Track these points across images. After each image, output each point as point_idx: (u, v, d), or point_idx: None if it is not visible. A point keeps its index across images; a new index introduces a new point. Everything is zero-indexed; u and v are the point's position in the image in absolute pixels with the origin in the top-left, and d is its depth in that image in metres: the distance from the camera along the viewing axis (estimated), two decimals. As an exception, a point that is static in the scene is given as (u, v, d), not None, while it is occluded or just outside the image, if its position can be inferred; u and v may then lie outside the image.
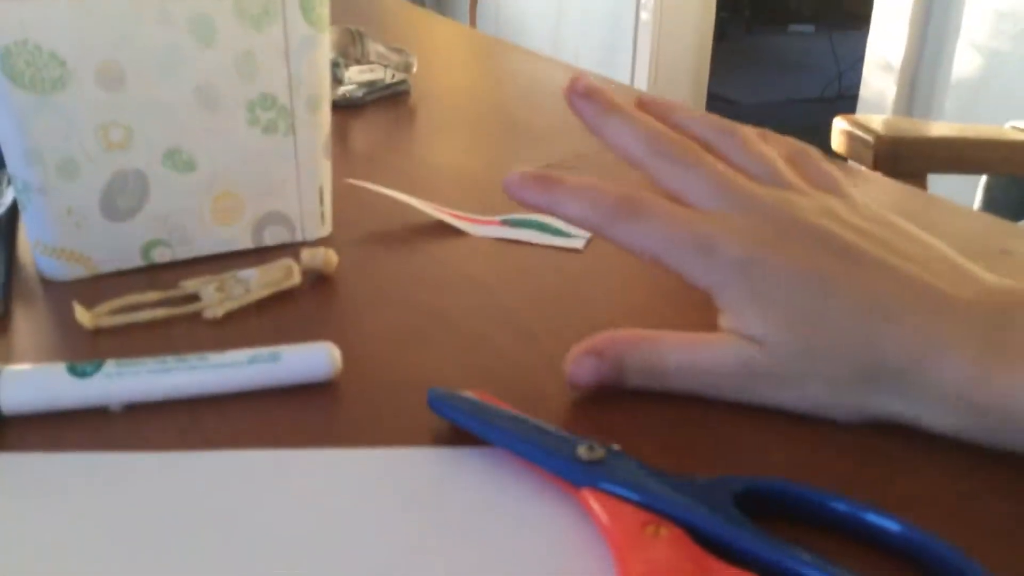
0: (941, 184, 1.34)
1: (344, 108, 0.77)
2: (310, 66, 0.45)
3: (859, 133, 1.00)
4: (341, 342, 0.36)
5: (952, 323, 0.30)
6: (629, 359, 0.33)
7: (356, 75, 0.80)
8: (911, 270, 0.32)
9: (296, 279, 0.43)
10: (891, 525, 0.26)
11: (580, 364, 0.33)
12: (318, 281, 0.44)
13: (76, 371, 0.32)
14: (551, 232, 0.50)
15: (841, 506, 0.27)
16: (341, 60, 0.79)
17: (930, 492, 0.29)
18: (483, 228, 0.51)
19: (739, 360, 0.32)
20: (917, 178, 0.99)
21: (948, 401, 0.30)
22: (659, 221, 0.33)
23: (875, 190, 0.61)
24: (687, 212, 0.33)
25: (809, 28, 5.11)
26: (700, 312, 0.40)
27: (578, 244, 0.49)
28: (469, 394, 0.32)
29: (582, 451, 0.29)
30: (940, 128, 1.09)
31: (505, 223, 0.51)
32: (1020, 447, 0.30)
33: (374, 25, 1.16)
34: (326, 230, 0.49)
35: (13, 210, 0.49)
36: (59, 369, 0.32)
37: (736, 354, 0.32)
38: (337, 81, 0.78)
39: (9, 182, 0.51)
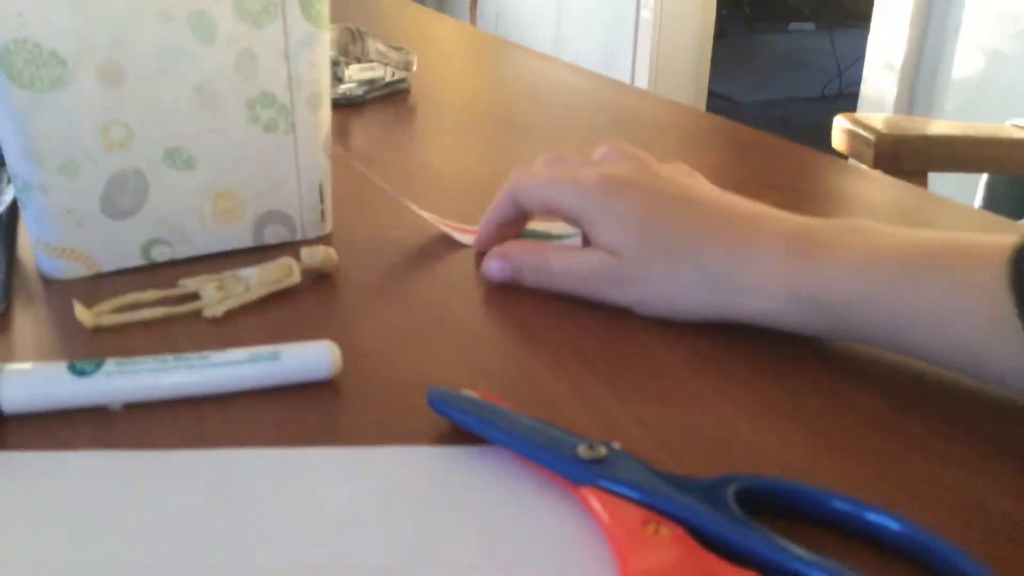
0: (942, 183, 1.34)
1: (344, 106, 0.77)
2: (310, 64, 0.45)
3: (860, 131, 1.00)
4: (341, 340, 0.36)
5: (762, 228, 0.38)
6: (525, 262, 0.43)
7: (356, 73, 0.80)
8: (724, 198, 0.41)
9: (296, 277, 0.42)
10: (891, 524, 0.26)
11: (489, 264, 0.44)
12: (318, 279, 0.44)
13: (76, 370, 0.32)
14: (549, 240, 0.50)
15: (841, 504, 0.27)
16: (341, 58, 0.79)
17: (932, 492, 0.29)
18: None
19: (602, 265, 0.41)
20: (918, 177, 0.99)
21: (766, 292, 0.37)
22: (545, 178, 0.43)
23: (875, 189, 0.61)
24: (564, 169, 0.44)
25: (810, 26, 5.11)
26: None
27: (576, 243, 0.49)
28: (469, 392, 0.32)
29: (582, 450, 0.29)
30: (941, 127, 1.09)
31: None
32: (841, 333, 0.37)
33: (374, 23, 1.16)
34: (326, 228, 0.49)
35: (13, 209, 0.49)
36: (59, 368, 0.32)
37: (600, 261, 0.41)
38: (337, 79, 0.78)
39: (9, 180, 0.51)
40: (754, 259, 0.37)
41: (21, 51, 0.38)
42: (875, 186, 0.61)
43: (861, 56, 2.26)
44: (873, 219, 0.55)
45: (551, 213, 0.44)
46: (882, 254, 0.35)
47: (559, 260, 0.43)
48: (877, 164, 0.97)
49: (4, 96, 0.39)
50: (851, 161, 0.98)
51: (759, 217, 0.39)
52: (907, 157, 0.98)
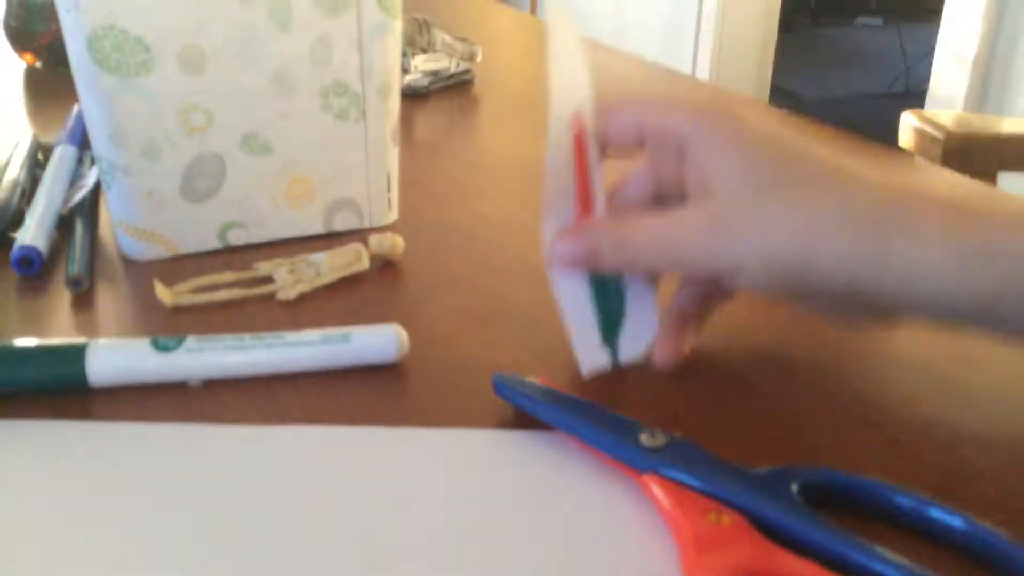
0: (1014, 184, 1.30)
1: (409, 96, 0.78)
2: (382, 53, 0.46)
3: (928, 129, 0.98)
4: (407, 325, 0.37)
5: (908, 181, 0.31)
6: (603, 238, 0.35)
7: (422, 64, 0.81)
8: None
9: (364, 263, 0.44)
10: (954, 521, 0.26)
11: (557, 247, 0.35)
12: (385, 266, 0.45)
13: (159, 345, 0.34)
14: None
15: (904, 500, 0.27)
16: (408, 49, 0.80)
17: (996, 494, 0.29)
18: None
19: (704, 214, 0.32)
20: (988, 176, 0.97)
21: (923, 237, 0.29)
22: (632, 99, 0.37)
23: (945, 187, 0.60)
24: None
25: (877, 20, 4.99)
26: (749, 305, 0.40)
27: None
28: (533, 379, 0.33)
29: (644, 438, 0.29)
30: (1014, 125, 1.06)
31: None
32: (1002, 301, 0.29)
33: (439, 13, 1.17)
34: (392, 216, 0.50)
35: (95, 191, 0.51)
36: (143, 343, 0.34)
37: (702, 210, 0.33)
38: (403, 70, 0.79)
39: (93, 163, 0.53)
40: (909, 199, 0.30)
41: (108, 37, 0.40)
42: (943, 184, 0.60)
43: (930, 52, 2.21)
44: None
45: (638, 142, 0.35)
46: None
47: (645, 225, 0.34)
48: (946, 164, 0.95)
49: (91, 80, 0.41)
50: (918, 159, 0.96)
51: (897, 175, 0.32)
52: (978, 156, 0.96)
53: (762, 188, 0.31)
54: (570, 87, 0.37)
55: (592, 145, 0.36)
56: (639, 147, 0.35)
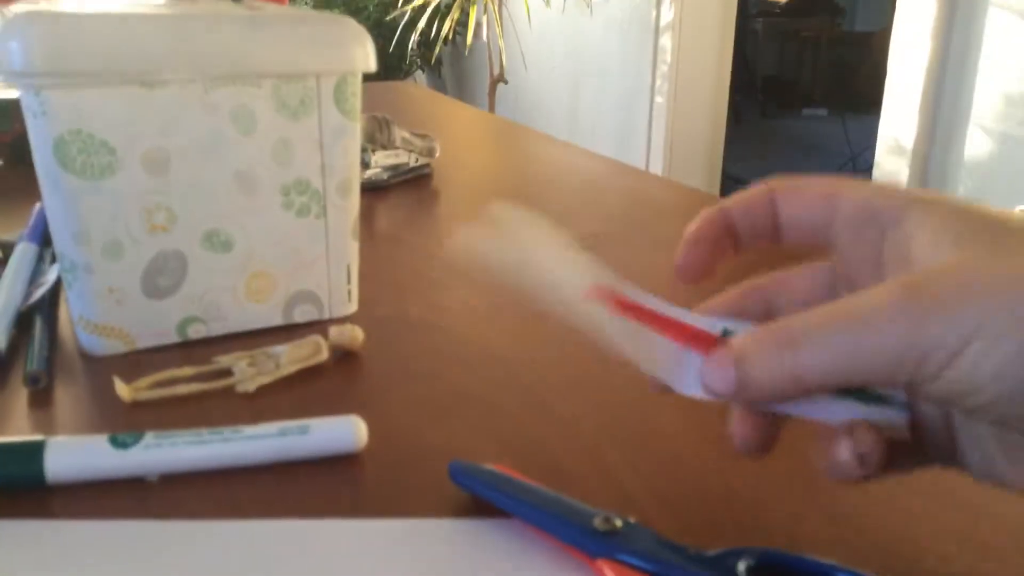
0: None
1: (369, 190, 0.80)
2: (342, 153, 0.48)
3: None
4: (366, 416, 0.38)
5: None
6: (762, 350, 0.26)
7: (382, 159, 0.83)
8: None
9: (324, 355, 0.44)
10: (896, 596, 0.27)
11: (710, 374, 0.27)
12: (344, 357, 0.46)
13: (117, 442, 0.34)
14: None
15: (846, 577, 0.28)
16: (368, 146, 0.82)
17: (933, 566, 0.30)
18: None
19: (904, 292, 0.24)
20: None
21: None
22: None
23: None
24: None
25: (822, 111, 5.21)
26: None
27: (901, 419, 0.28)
28: (490, 467, 0.34)
29: (598, 522, 0.30)
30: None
31: None
32: None
33: (400, 111, 1.21)
34: (352, 308, 0.51)
35: (55, 288, 0.51)
36: (101, 440, 0.34)
37: (897, 288, 0.25)
38: (364, 165, 0.81)
39: (54, 260, 0.53)
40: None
41: (75, 141, 0.41)
42: None
43: (873, 141, 2.31)
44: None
45: (823, 221, 0.31)
46: None
47: (814, 319, 0.25)
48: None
49: (56, 182, 0.42)
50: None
51: None
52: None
53: (997, 243, 0.24)
54: (563, 275, 0.29)
55: (635, 293, 0.29)
56: (796, 232, 0.31)
